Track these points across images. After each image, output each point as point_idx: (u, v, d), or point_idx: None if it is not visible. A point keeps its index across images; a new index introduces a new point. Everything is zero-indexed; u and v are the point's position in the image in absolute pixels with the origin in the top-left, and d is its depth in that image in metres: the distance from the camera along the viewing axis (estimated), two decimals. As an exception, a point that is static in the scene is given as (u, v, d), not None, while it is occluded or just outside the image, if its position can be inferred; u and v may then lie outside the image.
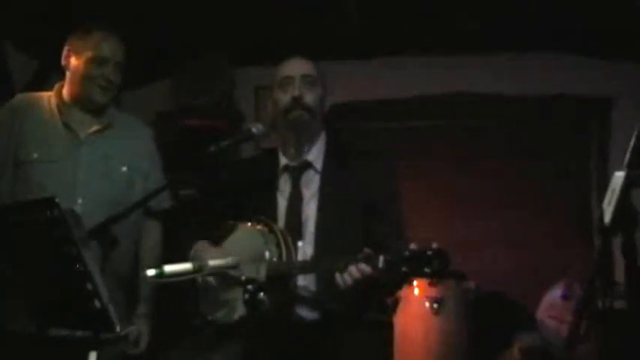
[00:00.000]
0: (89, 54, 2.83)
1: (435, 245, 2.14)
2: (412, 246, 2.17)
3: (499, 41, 4.82)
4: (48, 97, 2.94)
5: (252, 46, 4.85)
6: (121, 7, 4.22)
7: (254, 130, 2.60)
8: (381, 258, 2.23)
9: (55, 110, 2.88)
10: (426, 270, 2.12)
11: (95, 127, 2.90)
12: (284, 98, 2.64)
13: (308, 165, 2.67)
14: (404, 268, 2.16)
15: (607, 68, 4.88)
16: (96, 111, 2.92)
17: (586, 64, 4.90)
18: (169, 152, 3.80)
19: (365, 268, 2.26)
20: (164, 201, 3.02)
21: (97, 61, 2.83)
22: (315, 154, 2.69)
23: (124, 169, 2.92)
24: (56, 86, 2.95)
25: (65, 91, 2.91)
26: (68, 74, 2.90)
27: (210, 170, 2.64)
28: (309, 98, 2.64)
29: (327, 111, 2.76)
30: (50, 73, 4.60)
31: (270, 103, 2.75)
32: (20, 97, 3.00)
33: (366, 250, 2.28)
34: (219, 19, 4.53)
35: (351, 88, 4.93)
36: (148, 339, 2.91)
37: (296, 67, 2.69)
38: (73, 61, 2.87)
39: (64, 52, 2.90)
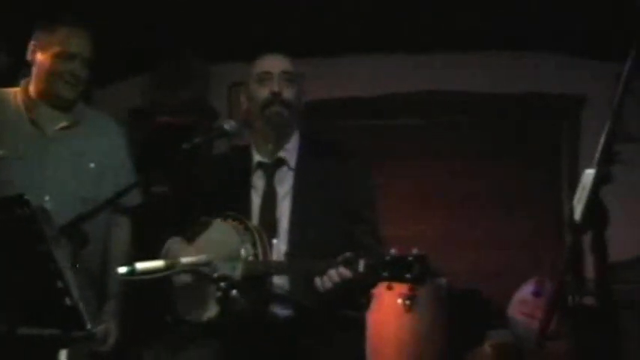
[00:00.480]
0: (56, 49, 2.78)
1: (415, 251, 2.13)
2: (393, 251, 2.16)
3: (471, 40, 4.85)
4: (14, 93, 2.89)
5: (225, 43, 4.84)
6: (95, 2, 4.18)
7: (227, 127, 2.58)
8: (362, 262, 2.22)
9: (22, 107, 2.84)
10: (407, 276, 2.12)
11: (63, 124, 2.86)
12: (262, 93, 2.62)
13: (282, 162, 2.66)
14: (384, 273, 2.15)
15: (578, 67, 4.93)
16: (64, 107, 2.87)
17: (557, 63, 4.96)
18: (142, 149, 3.79)
19: (345, 272, 2.25)
20: (134, 198, 2.99)
21: (63, 57, 2.79)
22: (289, 152, 2.68)
23: (93, 165, 2.88)
24: (22, 82, 2.90)
25: (32, 88, 2.86)
26: (34, 70, 2.85)
27: (183, 167, 2.62)
28: (289, 94, 2.62)
29: (302, 109, 2.75)
30: (19, 67, 4.57)
31: (244, 99, 2.73)
32: None
33: (346, 254, 2.27)
34: (192, 16, 4.52)
35: (323, 85, 4.93)
36: (117, 337, 2.89)
37: (275, 63, 2.67)
38: (39, 56, 2.82)
39: (30, 47, 2.85)
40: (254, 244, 2.44)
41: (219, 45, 4.92)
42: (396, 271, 2.14)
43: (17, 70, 4.53)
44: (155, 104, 5.12)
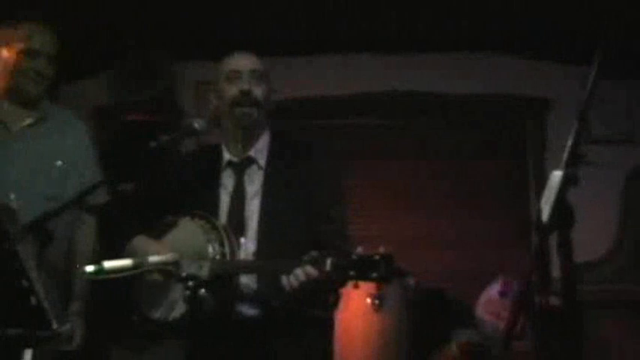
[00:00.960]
0: (20, 46, 2.77)
1: (382, 250, 2.14)
2: (359, 250, 2.17)
3: (442, 41, 4.88)
4: None
5: (192, 41, 4.81)
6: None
7: (196, 125, 2.57)
8: (329, 261, 2.22)
9: None
10: (374, 275, 2.12)
11: (28, 121, 2.83)
12: (231, 91, 2.61)
13: (251, 161, 2.65)
14: (351, 272, 2.15)
15: (545, 69, 4.99)
16: (28, 104, 2.85)
17: (524, 65, 5.01)
18: (109, 147, 3.76)
19: (311, 270, 2.25)
20: (100, 196, 2.97)
21: (28, 54, 2.77)
22: (259, 151, 2.67)
23: (59, 163, 2.85)
24: None
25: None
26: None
27: (151, 165, 2.60)
28: (258, 93, 2.61)
29: (272, 108, 2.74)
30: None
31: (213, 98, 2.72)
32: None
33: (313, 253, 2.26)
34: (159, 13, 4.49)
35: (294, 85, 4.92)
36: (83, 336, 2.86)
37: (244, 62, 2.66)
38: (4, 52, 2.80)
39: None
40: (221, 243, 2.44)
41: (186, 43, 4.89)
42: (362, 270, 2.14)
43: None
44: (121, 102, 5.07)
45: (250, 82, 2.61)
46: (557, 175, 1.85)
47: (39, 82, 2.81)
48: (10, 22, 2.82)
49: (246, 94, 2.59)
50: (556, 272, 1.91)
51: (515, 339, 3.01)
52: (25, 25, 2.80)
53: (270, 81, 2.72)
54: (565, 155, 1.84)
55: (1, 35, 2.82)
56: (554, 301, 2.42)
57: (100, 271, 2.25)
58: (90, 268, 2.31)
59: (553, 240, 1.88)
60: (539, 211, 2.02)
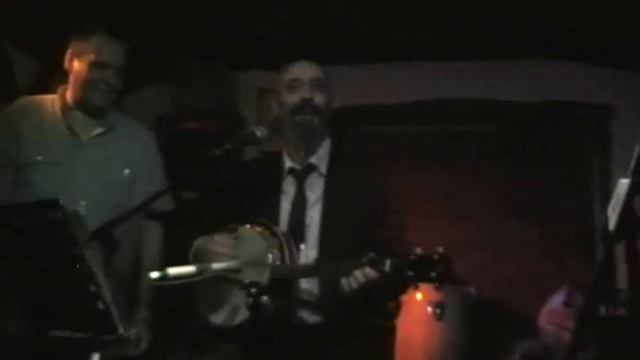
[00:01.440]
0: (91, 58, 2.85)
1: (440, 249, 2.13)
2: (418, 250, 2.16)
3: (501, 47, 4.83)
4: (52, 100, 2.96)
5: (255, 50, 4.86)
6: (123, 8, 4.22)
7: (258, 133, 2.58)
8: (388, 262, 2.21)
9: (59, 113, 2.90)
10: (432, 274, 2.11)
11: (98, 130, 2.92)
12: (292, 99, 2.64)
13: (313, 168, 2.67)
14: (410, 273, 2.14)
15: (609, 76, 4.89)
16: (98, 114, 2.93)
17: (588, 72, 4.92)
18: (170, 155, 3.79)
19: (370, 272, 2.25)
20: (166, 203, 3.02)
21: (98, 66, 2.85)
22: (320, 158, 2.69)
23: (126, 171, 2.93)
24: (60, 89, 2.97)
25: (68, 94, 2.93)
26: (71, 77, 2.92)
27: (213, 172, 2.63)
28: (319, 100, 2.65)
29: (331, 115, 2.75)
30: (53, 74, 4.61)
31: (274, 106, 2.75)
32: (23, 99, 3.02)
33: (371, 254, 2.26)
34: (221, 22, 4.54)
35: (353, 92, 4.93)
36: (148, 341, 2.91)
37: (305, 70, 2.69)
38: (76, 64, 2.89)
39: (67, 56, 2.92)
40: (280, 249, 2.45)
41: (249, 51, 4.94)
42: (421, 270, 2.13)
43: (49, 77, 4.60)
44: (181, 110, 5.15)
45: (311, 89, 2.65)
46: (624, 184, 1.82)
47: (107, 94, 2.89)
48: (82, 35, 2.89)
49: (307, 101, 2.62)
50: (621, 282, 1.88)
51: (580, 350, 2.97)
52: (95, 37, 2.87)
53: (331, 88, 2.74)
54: (632, 163, 1.81)
55: (73, 48, 2.90)
56: (619, 311, 2.38)
57: (165, 277, 2.28)
58: (154, 275, 2.35)
59: (619, 250, 1.85)
60: (606, 220, 1.99)
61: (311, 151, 2.68)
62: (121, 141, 2.96)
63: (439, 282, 2.11)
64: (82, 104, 2.90)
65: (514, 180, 5.12)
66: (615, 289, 2.18)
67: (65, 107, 2.91)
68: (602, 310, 2.43)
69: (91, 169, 2.85)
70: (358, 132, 5.08)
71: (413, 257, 2.15)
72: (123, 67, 2.91)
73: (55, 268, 2.08)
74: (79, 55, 2.87)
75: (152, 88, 5.18)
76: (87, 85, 2.86)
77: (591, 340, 3.51)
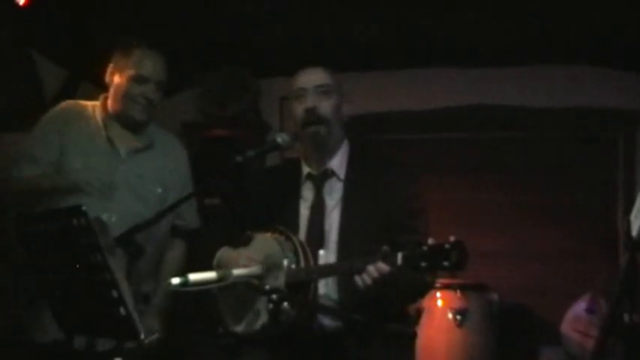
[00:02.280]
0: (131, 72, 2.85)
1: (452, 238, 2.10)
2: (430, 241, 2.14)
3: (525, 53, 4.81)
4: (93, 107, 2.95)
5: (277, 57, 4.88)
6: (148, 17, 4.26)
7: (279, 140, 2.59)
8: (400, 255, 2.20)
9: (101, 123, 2.91)
10: (445, 264, 2.08)
11: (136, 145, 2.92)
12: (299, 110, 2.63)
13: (331, 173, 2.67)
14: (423, 264, 2.13)
15: (634, 81, 4.85)
16: (136, 128, 2.94)
17: (612, 77, 4.88)
18: (195, 162, 3.81)
19: (383, 266, 2.24)
20: (194, 220, 3.03)
21: (138, 80, 2.85)
22: (338, 163, 2.68)
23: (159, 190, 2.93)
24: (101, 98, 2.97)
25: (109, 106, 2.93)
26: (111, 91, 2.91)
27: (235, 179, 2.64)
28: (324, 108, 2.62)
29: (346, 119, 2.72)
30: (79, 82, 4.67)
31: (290, 116, 2.75)
32: (68, 105, 3.00)
33: (384, 248, 2.25)
34: (244, 30, 4.57)
35: (376, 99, 4.94)
36: (160, 334, 2.88)
37: (309, 78, 2.67)
38: (116, 78, 2.88)
39: (109, 70, 2.91)
40: (295, 252, 2.45)
41: (271, 58, 4.96)
42: (434, 261, 2.11)
43: (77, 83, 4.66)
44: (207, 118, 5.18)
45: (314, 98, 2.62)
46: (646, 190, 1.80)
47: (146, 108, 2.89)
48: (123, 49, 2.90)
49: (311, 111, 2.60)
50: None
51: (604, 357, 2.94)
52: (136, 51, 2.87)
53: (343, 92, 2.72)
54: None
55: (115, 61, 2.90)
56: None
57: (186, 283, 2.29)
58: (175, 281, 2.36)
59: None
60: (628, 226, 1.97)
61: (328, 158, 2.67)
62: (157, 160, 2.96)
63: (453, 270, 2.09)
64: (121, 117, 2.90)
65: (537, 186, 5.10)
66: (639, 296, 2.16)
67: (106, 117, 2.92)
68: (626, 317, 2.40)
69: (127, 184, 2.85)
70: (381, 139, 5.09)
71: (425, 248, 2.13)
72: (163, 82, 2.91)
73: (78, 274, 2.10)
74: (119, 69, 2.87)
75: (178, 96, 5.22)
76: (127, 99, 2.86)
77: (618, 347, 3.49)
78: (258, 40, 4.71)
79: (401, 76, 5.09)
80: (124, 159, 2.89)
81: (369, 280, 2.27)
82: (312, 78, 2.66)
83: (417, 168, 2.87)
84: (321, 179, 2.67)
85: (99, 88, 3.03)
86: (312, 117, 2.60)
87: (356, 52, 4.76)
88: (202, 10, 4.31)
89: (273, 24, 4.49)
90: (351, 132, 2.76)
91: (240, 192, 2.85)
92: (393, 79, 5.09)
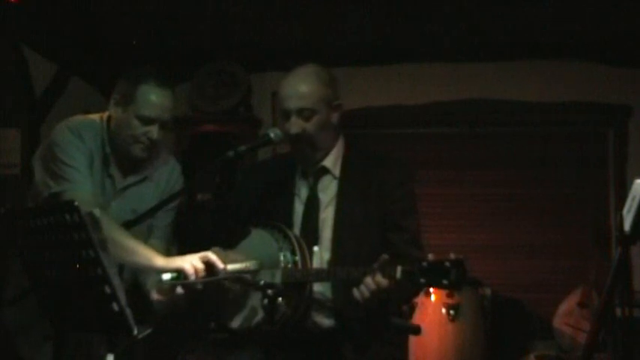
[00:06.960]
0: (136, 111, 2.67)
1: (453, 256, 2.10)
2: (430, 257, 2.14)
3: (516, 49, 4.82)
4: (100, 125, 2.79)
5: (268, 52, 4.88)
6: (139, 13, 4.25)
7: (272, 135, 2.57)
8: (399, 269, 2.20)
9: (107, 144, 2.76)
10: (444, 282, 2.08)
11: (131, 180, 2.80)
12: (285, 129, 2.58)
13: (325, 170, 2.66)
14: (422, 280, 2.13)
15: (625, 76, 4.87)
16: (136, 162, 2.79)
17: (604, 72, 4.91)
18: (186, 158, 3.82)
19: (381, 280, 2.23)
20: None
21: (142, 120, 2.68)
22: (332, 160, 2.66)
23: (149, 220, 2.78)
24: (106, 117, 2.79)
25: (112, 130, 2.77)
26: (113, 121, 2.75)
27: (227, 175, 2.62)
28: (309, 131, 2.56)
29: (339, 120, 2.67)
30: (69, 77, 4.65)
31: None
32: (83, 122, 2.80)
33: (384, 256, 2.25)
34: (235, 25, 4.56)
35: (367, 94, 4.94)
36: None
37: (292, 102, 2.58)
38: (120, 112, 2.71)
39: (112, 99, 2.75)
40: (293, 252, 2.45)
41: (262, 54, 4.96)
42: (433, 277, 2.11)
43: (66, 78, 4.64)
44: (198, 113, 5.17)
45: (298, 123, 2.56)
46: (639, 184, 1.81)
47: (148, 147, 2.72)
48: (129, 80, 2.73)
49: (294, 137, 2.56)
50: (637, 284, 1.87)
51: (596, 351, 2.95)
52: (142, 87, 2.69)
53: (337, 95, 2.65)
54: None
55: (119, 91, 2.74)
56: (635, 313, 2.36)
57: (178, 277, 2.28)
58: (167, 276, 2.35)
59: (635, 250, 1.83)
60: (620, 221, 1.97)
61: (321, 157, 2.65)
62: (151, 191, 2.82)
63: (452, 289, 2.09)
64: (122, 151, 2.75)
65: (530, 181, 5.11)
66: (631, 290, 2.16)
67: (107, 141, 2.76)
68: (618, 311, 2.41)
69: (119, 215, 2.70)
70: (376, 133, 5.10)
71: (425, 264, 2.13)
72: (169, 120, 2.75)
73: (70, 270, 2.09)
74: (124, 104, 2.70)
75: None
76: (129, 137, 2.69)
77: (610, 342, 3.50)
78: (249, 35, 4.70)
79: (393, 70, 5.09)
80: (117, 193, 2.76)
81: (367, 293, 2.27)
82: (294, 101, 2.57)
83: (409, 162, 2.86)
84: (315, 176, 2.66)
85: (88, 83, 2.95)
86: (297, 142, 2.58)
87: (349, 47, 4.76)
88: (193, 5, 4.30)
89: (265, 19, 4.48)
90: (345, 127, 2.75)
91: (232, 187, 2.82)
92: (385, 73, 5.09)
